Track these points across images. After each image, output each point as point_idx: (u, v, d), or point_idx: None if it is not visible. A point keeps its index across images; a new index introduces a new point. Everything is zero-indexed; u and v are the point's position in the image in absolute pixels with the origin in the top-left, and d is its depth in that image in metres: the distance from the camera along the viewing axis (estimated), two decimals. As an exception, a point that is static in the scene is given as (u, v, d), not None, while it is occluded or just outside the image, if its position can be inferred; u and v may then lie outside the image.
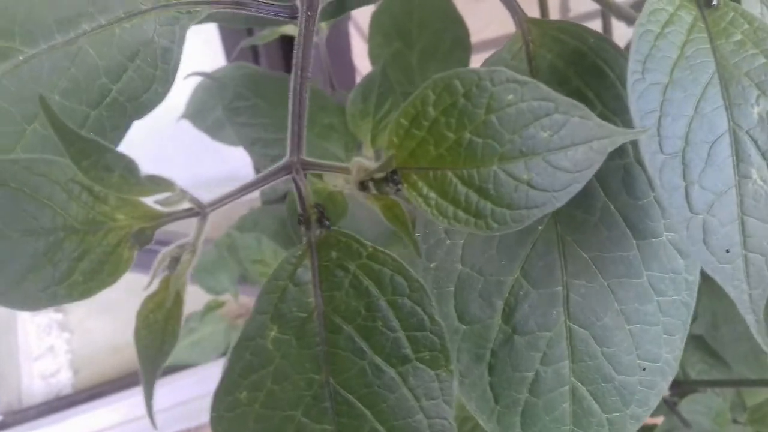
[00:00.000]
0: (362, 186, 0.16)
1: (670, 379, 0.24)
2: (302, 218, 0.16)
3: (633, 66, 0.18)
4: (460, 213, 0.15)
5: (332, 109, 0.47)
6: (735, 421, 0.50)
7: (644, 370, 0.23)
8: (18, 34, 0.20)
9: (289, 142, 0.17)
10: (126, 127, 0.20)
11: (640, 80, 0.18)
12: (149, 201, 0.17)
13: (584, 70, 0.22)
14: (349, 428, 0.17)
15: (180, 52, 0.20)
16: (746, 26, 0.19)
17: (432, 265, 0.21)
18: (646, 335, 0.23)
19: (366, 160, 0.16)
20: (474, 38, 0.47)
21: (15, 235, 0.16)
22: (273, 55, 0.78)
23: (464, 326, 0.22)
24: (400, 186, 0.15)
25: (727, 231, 0.18)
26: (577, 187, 0.15)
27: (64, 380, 1.25)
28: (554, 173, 0.16)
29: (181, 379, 1.22)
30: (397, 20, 0.50)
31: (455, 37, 0.48)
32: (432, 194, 0.15)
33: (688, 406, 0.47)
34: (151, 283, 0.16)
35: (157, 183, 0.15)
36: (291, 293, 0.16)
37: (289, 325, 0.16)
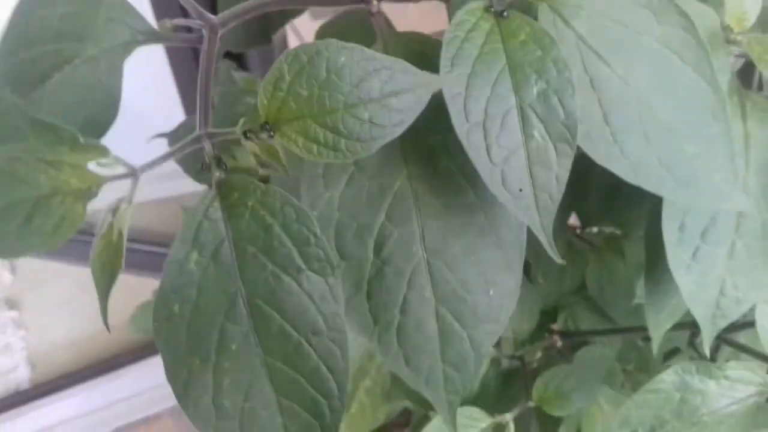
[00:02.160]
0: (246, 136, 0.22)
1: (515, 300, 0.31)
2: (205, 166, 0.23)
3: (443, 62, 0.26)
4: (322, 149, 0.22)
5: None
6: (624, 370, 0.58)
7: (491, 293, 0.30)
8: (17, 88, 0.28)
9: (198, 118, 0.24)
10: None
11: (449, 72, 0.25)
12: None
13: (426, 65, 0.30)
14: (262, 326, 0.23)
15: (120, 83, 0.28)
16: (528, 29, 0.27)
17: (315, 213, 0.28)
18: (490, 265, 0.30)
19: (249, 119, 0.22)
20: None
21: (2, 205, 0.23)
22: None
23: (344, 262, 0.29)
24: (272, 133, 0.22)
25: (519, 176, 0.26)
26: (407, 122, 0.22)
27: (21, 376, 1.27)
28: (389, 113, 0.23)
29: (145, 368, 1.27)
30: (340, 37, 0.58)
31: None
32: (299, 138, 0.22)
33: (582, 355, 0.55)
34: (101, 228, 0.23)
35: (94, 147, 0.22)
36: (205, 226, 0.23)
37: (206, 250, 0.23)
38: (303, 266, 0.23)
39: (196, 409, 0.24)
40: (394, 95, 0.22)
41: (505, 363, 0.58)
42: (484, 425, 0.50)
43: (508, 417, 0.50)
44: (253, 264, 0.23)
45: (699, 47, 0.29)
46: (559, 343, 0.60)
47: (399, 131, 0.23)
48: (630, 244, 0.52)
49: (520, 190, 0.26)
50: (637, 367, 0.59)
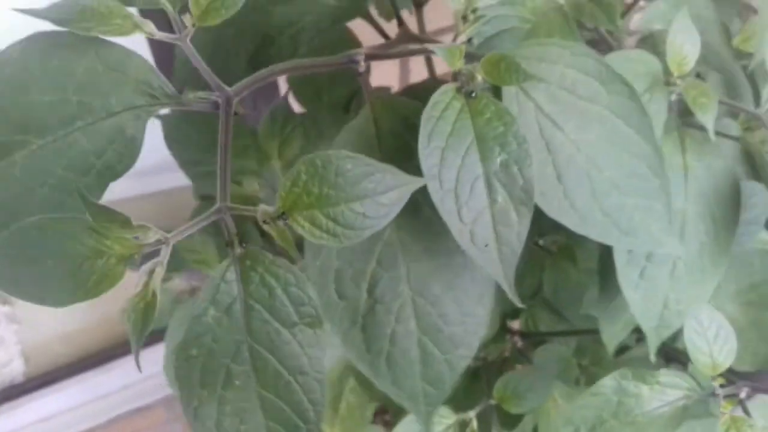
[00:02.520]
0: (264, 222, 0.27)
1: (485, 328, 0.36)
2: (228, 243, 0.28)
3: (421, 139, 0.30)
4: (324, 234, 0.27)
5: (246, 133, 0.59)
6: (579, 365, 0.63)
7: (466, 323, 0.36)
8: (31, 130, 0.30)
9: (219, 192, 0.28)
10: (105, 186, 0.31)
11: (426, 146, 0.30)
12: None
13: (409, 128, 0.34)
14: (260, 367, 0.28)
15: (142, 137, 0.31)
16: (493, 108, 0.31)
17: (317, 263, 0.33)
18: (465, 299, 0.35)
19: (267, 207, 0.27)
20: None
21: (51, 262, 0.27)
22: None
23: (342, 302, 0.34)
24: (287, 221, 0.27)
25: (485, 234, 0.31)
26: (392, 215, 0.27)
27: (15, 370, 1.31)
28: (379, 207, 0.27)
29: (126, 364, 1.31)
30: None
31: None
32: (306, 224, 0.27)
33: (540, 353, 0.60)
34: (137, 287, 0.28)
35: (141, 227, 0.26)
36: (222, 287, 0.28)
37: (222, 306, 0.28)
38: (298, 321, 0.28)
39: (203, 430, 0.29)
40: (383, 193, 0.27)
41: (471, 363, 0.63)
42: (450, 422, 0.56)
43: (472, 414, 0.56)
44: (258, 319, 0.28)
45: (642, 113, 0.34)
46: (519, 343, 0.66)
47: (385, 222, 0.27)
48: (581, 251, 0.57)
49: (486, 246, 0.31)
50: (593, 361, 0.64)
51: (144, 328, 0.28)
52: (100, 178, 0.31)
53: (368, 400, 0.67)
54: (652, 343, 0.43)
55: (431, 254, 0.35)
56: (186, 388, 0.29)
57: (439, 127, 0.30)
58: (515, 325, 0.68)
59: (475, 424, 0.56)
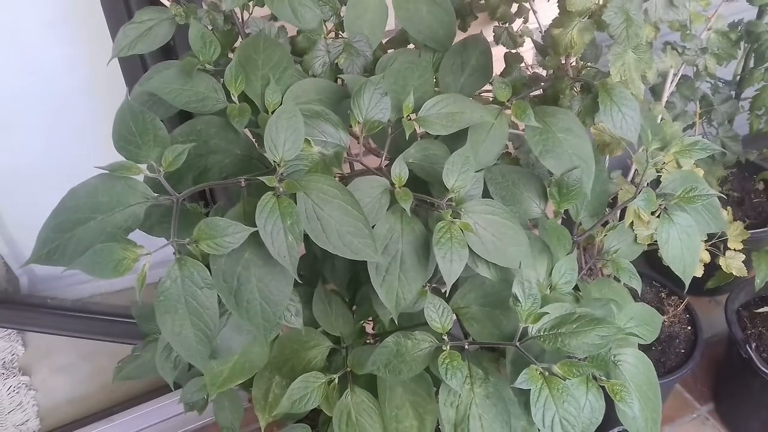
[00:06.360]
0: (187, 244, 0.72)
1: (288, 296, 0.81)
2: (174, 252, 0.72)
3: (258, 213, 0.76)
4: (211, 249, 0.72)
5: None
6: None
7: (280, 293, 0.80)
8: (97, 212, 0.76)
9: (172, 234, 0.73)
10: (128, 234, 0.76)
11: (260, 217, 0.76)
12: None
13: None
14: (188, 304, 0.73)
15: (142, 215, 0.77)
16: (287, 202, 0.77)
17: (217, 265, 0.77)
18: (281, 281, 0.79)
19: (188, 239, 0.72)
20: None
21: (107, 261, 0.72)
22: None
23: (225, 283, 0.78)
24: (197, 243, 0.72)
25: (283, 251, 0.75)
26: (239, 242, 0.73)
27: (32, 427, 1.62)
28: (232, 239, 0.73)
29: (131, 415, 1.64)
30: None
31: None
32: (204, 245, 0.72)
33: (381, 344, 1.03)
34: (140, 268, 0.72)
35: (139, 247, 0.71)
36: (173, 271, 0.72)
37: (172, 279, 0.72)
38: (203, 285, 0.73)
39: (169, 330, 0.73)
40: (234, 234, 0.72)
41: (342, 353, 1.06)
42: (322, 381, 0.98)
43: (335, 376, 0.99)
44: (186, 284, 0.73)
45: (355, 203, 0.79)
46: (371, 340, 1.09)
47: (236, 245, 0.73)
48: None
49: (284, 256, 0.75)
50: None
51: (142, 285, 0.72)
52: (126, 231, 0.77)
53: (285, 391, 1.04)
54: (394, 314, 0.86)
55: (265, 263, 0.79)
56: (160, 313, 0.73)
57: (265, 210, 0.76)
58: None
59: (336, 381, 0.99)
